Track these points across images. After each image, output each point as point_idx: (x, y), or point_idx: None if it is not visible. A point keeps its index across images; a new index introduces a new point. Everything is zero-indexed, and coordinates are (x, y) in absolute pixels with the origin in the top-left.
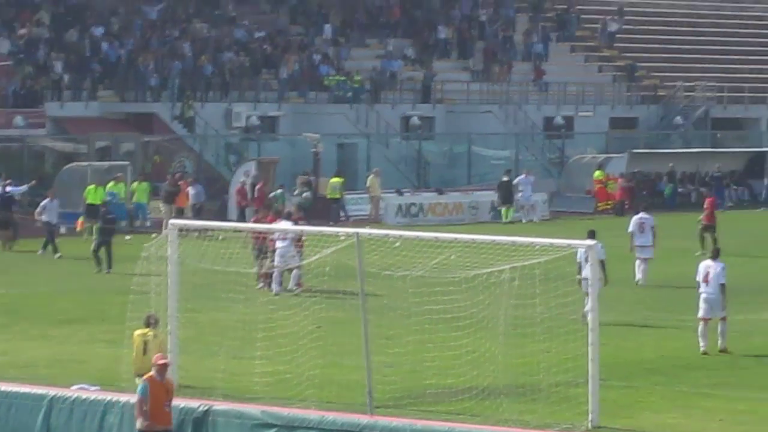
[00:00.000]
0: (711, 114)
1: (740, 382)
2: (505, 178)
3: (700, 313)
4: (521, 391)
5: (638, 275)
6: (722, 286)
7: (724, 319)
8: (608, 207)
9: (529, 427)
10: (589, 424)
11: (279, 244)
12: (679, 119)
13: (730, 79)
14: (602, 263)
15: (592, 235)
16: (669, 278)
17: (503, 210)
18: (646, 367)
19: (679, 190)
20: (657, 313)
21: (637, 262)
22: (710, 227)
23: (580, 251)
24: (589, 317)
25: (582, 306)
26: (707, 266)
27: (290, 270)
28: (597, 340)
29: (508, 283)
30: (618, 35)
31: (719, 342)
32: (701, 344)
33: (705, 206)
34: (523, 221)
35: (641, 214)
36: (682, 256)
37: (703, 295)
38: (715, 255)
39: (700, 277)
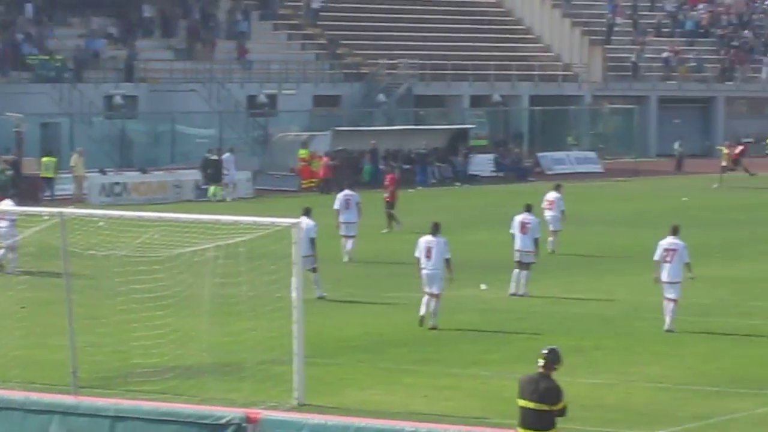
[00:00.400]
0: (414, 91)
1: (444, 358)
2: (214, 157)
3: (426, 288)
4: (227, 369)
5: (345, 252)
6: (447, 260)
7: (437, 296)
8: (312, 185)
9: (234, 405)
10: (295, 402)
11: (2, 224)
12: (381, 97)
13: (432, 57)
14: (312, 241)
15: (307, 212)
16: (373, 255)
17: (211, 188)
18: (350, 344)
19: (383, 167)
20: (361, 290)
21: (343, 239)
22: (390, 204)
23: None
24: (294, 295)
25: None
26: (428, 242)
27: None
28: (302, 317)
29: (212, 262)
30: (321, 13)
31: (431, 321)
32: (421, 311)
33: (386, 183)
34: (228, 199)
35: (346, 191)
36: (386, 234)
37: (425, 271)
38: (435, 230)
39: (421, 254)
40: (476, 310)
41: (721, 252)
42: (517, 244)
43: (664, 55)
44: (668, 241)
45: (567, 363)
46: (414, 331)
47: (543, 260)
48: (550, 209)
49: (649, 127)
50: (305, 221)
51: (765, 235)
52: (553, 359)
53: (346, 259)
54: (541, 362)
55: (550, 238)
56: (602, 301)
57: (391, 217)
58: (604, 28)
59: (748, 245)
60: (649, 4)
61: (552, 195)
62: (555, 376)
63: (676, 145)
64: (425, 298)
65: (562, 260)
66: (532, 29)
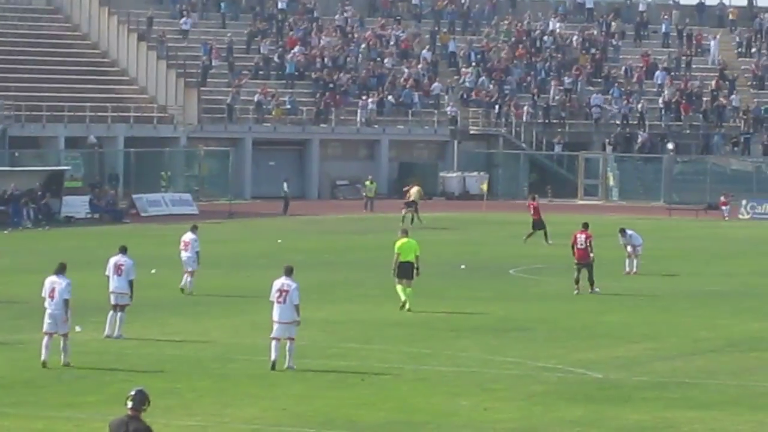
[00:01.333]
0: (9, 133)
1: (39, 400)
2: None
3: (45, 328)
4: None
5: None
6: (66, 301)
7: (66, 335)
8: None
9: None
10: None
11: None
12: None
13: (27, 98)
14: None
15: None
16: None
17: None
18: None
19: None
20: None
21: None
22: None
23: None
24: None
25: None
26: (52, 282)
27: None
28: None
29: None
30: None
31: (62, 357)
32: (43, 354)
33: None
34: None
35: None
36: None
37: (48, 310)
38: (61, 270)
39: (45, 293)
40: (72, 353)
41: (317, 294)
42: (112, 285)
43: (257, 98)
44: (281, 281)
45: (162, 405)
46: (8, 374)
47: (147, 301)
48: (185, 250)
49: (244, 169)
50: None
51: (359, 278)
52: (140, 400)
53: None
54: (129, 404)
55: (188, 278)
56: (197, 342)
57: None
58: (199, 71)
59: (341, 287)
60: (245, 47)
61: (188, 236)
62: (145, 417)
63: (285, 186)
64: (45, 341)
65: (157, 301)
66: (127, 71)
